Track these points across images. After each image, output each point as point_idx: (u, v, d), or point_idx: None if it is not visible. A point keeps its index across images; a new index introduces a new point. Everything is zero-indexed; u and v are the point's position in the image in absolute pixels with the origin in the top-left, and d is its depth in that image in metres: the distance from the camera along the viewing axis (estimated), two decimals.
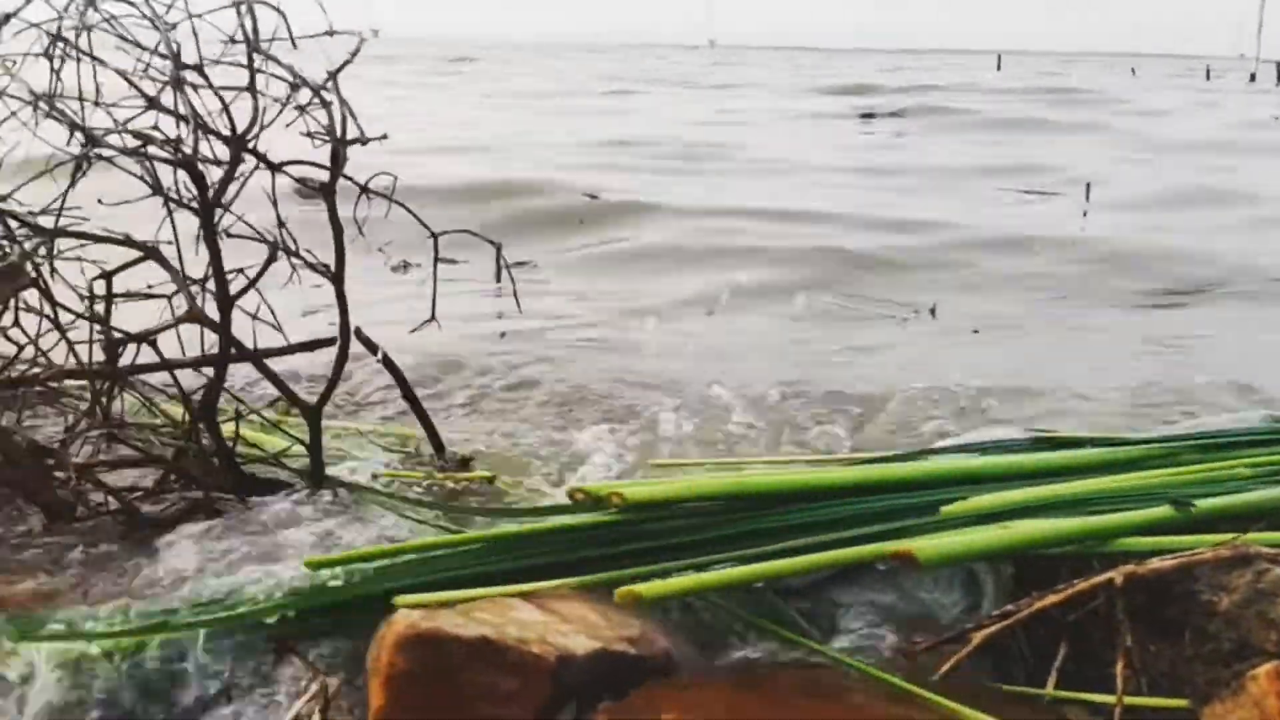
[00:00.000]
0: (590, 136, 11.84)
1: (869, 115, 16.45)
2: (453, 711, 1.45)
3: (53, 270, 2.15)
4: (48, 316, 2.16)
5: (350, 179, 2.15)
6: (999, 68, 43.03)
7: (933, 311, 4.59)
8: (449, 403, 3.26)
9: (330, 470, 2.29)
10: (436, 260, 2.37)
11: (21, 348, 2.40)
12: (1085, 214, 7.55)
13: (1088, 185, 8.20)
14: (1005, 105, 17.73)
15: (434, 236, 2.35)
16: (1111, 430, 2.55)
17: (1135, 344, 4.18)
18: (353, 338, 2.23)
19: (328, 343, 2.16)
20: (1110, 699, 1.57)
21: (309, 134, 1.98)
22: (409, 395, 2.47)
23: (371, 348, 2.39)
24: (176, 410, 2.29)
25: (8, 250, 2.03)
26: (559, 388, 3.36)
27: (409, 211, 2.25)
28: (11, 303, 2.19)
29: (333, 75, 1.98)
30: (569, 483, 2.40)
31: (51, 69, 2.03)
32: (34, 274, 1.99)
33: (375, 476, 2.32)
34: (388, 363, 2.42)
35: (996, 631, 1.66)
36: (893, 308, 4.66)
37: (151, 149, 1.94)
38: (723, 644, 1.68)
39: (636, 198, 7.41)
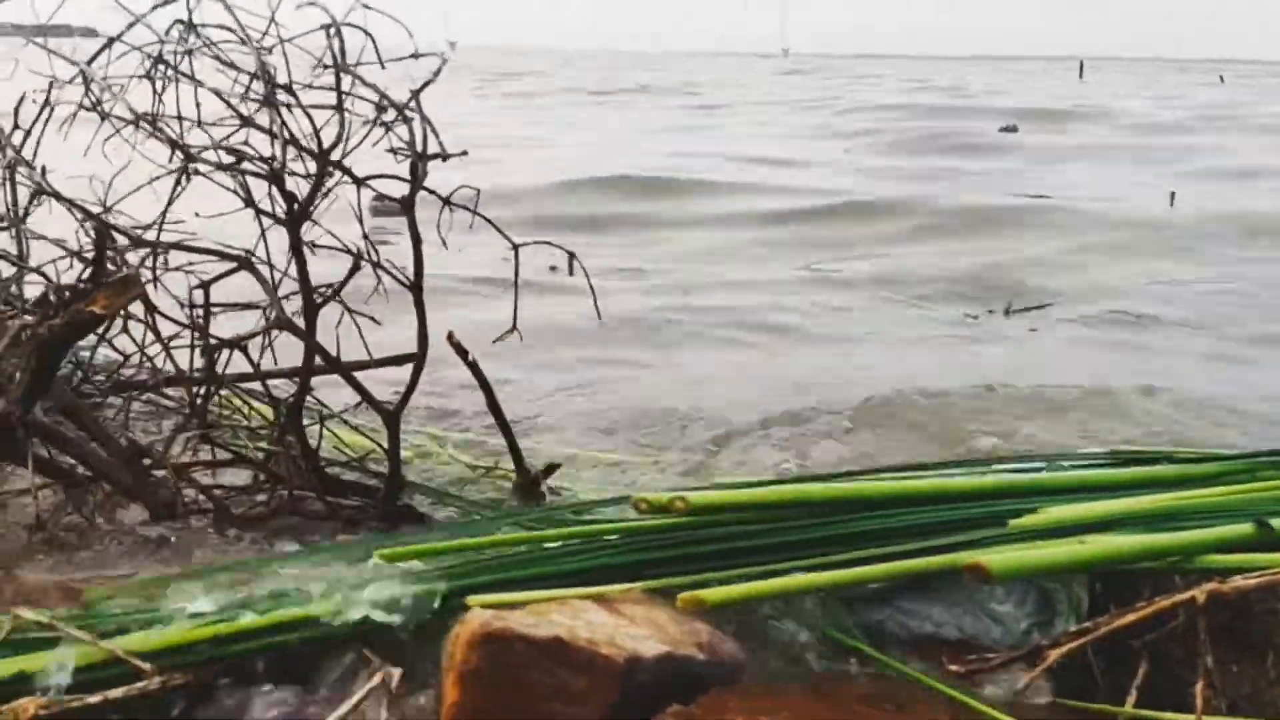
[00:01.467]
0: None
1: None
2: (524, 709, 1.49)
3: (156, 281, 2.26)
4: (150, 325, 2.27)
5: (432, 192, 2.20)
6: (1081, 75, 40.99)
7: None
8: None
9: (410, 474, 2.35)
10: (517, 271, 2.42)
11: (127, 357, 2.53)
12: None
13: None
14: None
15: (514, 248, 2.39)
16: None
17: None
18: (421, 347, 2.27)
19: (409, 358, 2.22)
20: None
21: (393, 150, 2.05)
22: (493, 404, 2.51)
23: (462, 353, 2.45)
24: (267, 411, 2.38)
25: (118, 264, 2.14)
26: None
27: (491, 224, 2.30)
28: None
29: (415, 94, 2.05)
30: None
31: (154, 91, 2.13)
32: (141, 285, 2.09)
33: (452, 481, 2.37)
34: (475, 370, 2.47)
35: (1074, 649, 1.64)
36: None
37: (244, 164, 2.04)
38: (790, 653, 1.69)
39: None
